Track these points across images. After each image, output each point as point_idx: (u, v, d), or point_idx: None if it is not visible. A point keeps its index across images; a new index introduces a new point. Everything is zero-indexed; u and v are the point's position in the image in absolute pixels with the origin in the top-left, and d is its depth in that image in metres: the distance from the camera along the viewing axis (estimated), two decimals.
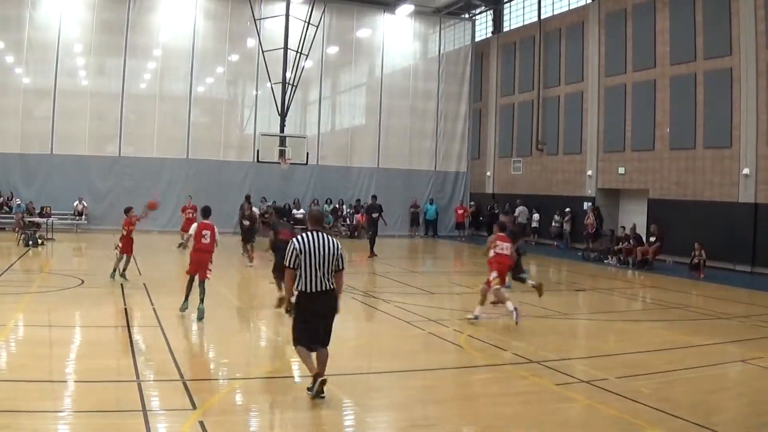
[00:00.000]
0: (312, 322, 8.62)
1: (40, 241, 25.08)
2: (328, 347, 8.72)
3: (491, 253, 14.57)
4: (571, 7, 34.58)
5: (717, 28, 25.94)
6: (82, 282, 17.21)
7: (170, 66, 33.79)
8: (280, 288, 14.22)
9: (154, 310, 14.16)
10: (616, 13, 30.94)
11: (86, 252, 26.04)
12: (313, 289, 8.53)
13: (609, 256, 27.33)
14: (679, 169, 27.43)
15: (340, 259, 8.77)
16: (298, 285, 8.58)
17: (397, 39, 37.85)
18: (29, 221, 27.82)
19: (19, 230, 26.54)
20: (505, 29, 39.88)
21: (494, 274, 14.27)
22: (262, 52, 30.60)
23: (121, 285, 16.79)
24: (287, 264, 8.59)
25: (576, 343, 13.66)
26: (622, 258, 26.54)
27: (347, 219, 35.68)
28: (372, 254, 25.94)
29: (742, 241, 24.74)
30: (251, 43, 33.70)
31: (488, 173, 40.21)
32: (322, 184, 35.97)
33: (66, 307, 14.22)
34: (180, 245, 24.21)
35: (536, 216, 34.78)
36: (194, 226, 14.16)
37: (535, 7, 36.83)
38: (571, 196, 32.93)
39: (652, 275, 24.06)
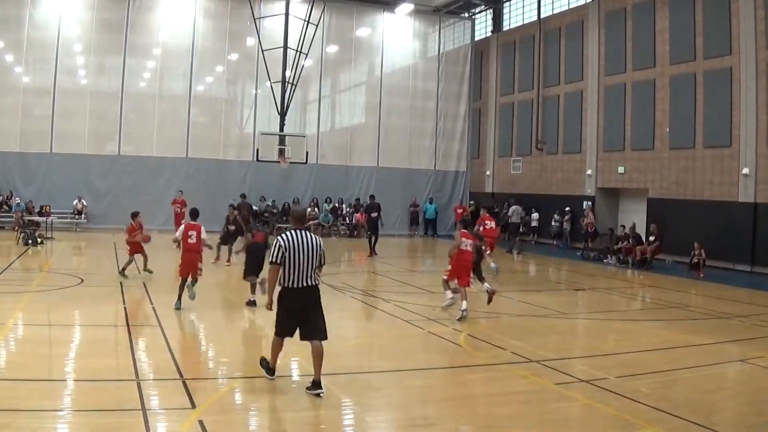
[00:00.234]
0: (297, 316, 8.94)
1: (39, 240, 25.09)
2: (322, 342, 8.97)
3: (455, 250, 14.95)
4: (571, 6, 34.58)
5: (717, 27, 25.94)
6: (82, 281, 17.21)
7: (170, 65, 33.78)
8: (253, 290, 14.82)
9: (153, 309, 14.17)
10: (615, 13, 30.94)
11: (86, 251, 26.04)
12: (298, 285, 8.82)
13: (608, 256, 27.34)
14: (679, 168, 27.44)
15: (322, 256, 9.08)
16: (282, 281, 8.83)
17: (397, 38, 37.84)
18: (29, 220, 27.83)
19: (19, 229, 26.54)
20: (505, 28, 39.89)
21: (449, 268, 15.05)
22: (262, 51, 30.59)
23: (120, 284, 16.78)
24: (272, 260, 8.84)
25: (575, 343, 13.66)
26: (621, 257, 26.55)
27: (347, 218, 35.67)
28: (372, 253, 25.97)
29: (741, 240, 24.74)
30: (251, 42, 33.69)
31: (488, 172, 40.22)
32: (321, 183, 35.97)
33: (65, 306, 14.23)
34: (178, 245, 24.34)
35: (536, 215, 34.79)
36: (181, 228, 14.83)
37: (535, 6, 36.83)
38: (571, 196, 32.92)
39: (651, 275, 24.06)
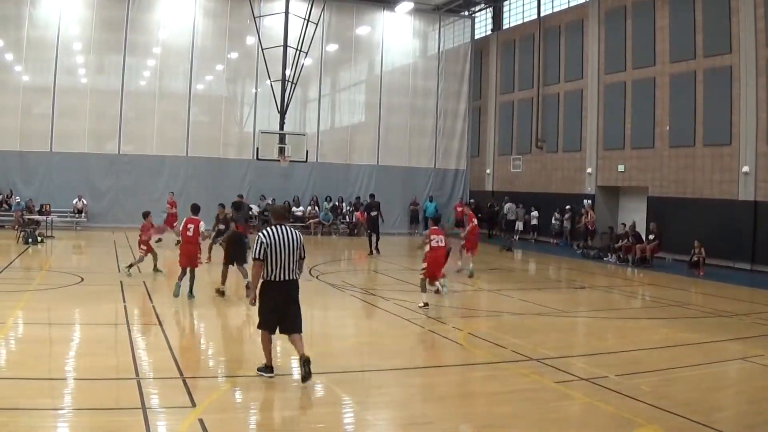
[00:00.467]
0: (279, 309, 9.22)
1: (39, 238, 25.10)
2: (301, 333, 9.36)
3: (427, 247, 15.63)
4: (571, 4, 34.55)
5: (717, 25, 25.92)
6: (82, 280, 17.21)
7: (170, 64, 33.78)
8: (225, 276, 15.80)
9: (153, 307, 14.17)
10: (615, 11, 30.92)
11: (86, 250, 26.04)
12: (280, 278, 9.12)
13: (608, 254, 27.34)
14: (679, 166, 27.42)
15: (302, 249, 9.37)
16: (265, 275, 9.12)
17: (397, 36, 37.83)
18: (29, 219, 27.85)
19: (19, 228, 26.55)
20: (505, 27, 39.87)
21: (424, 264, 15.59)
22: (262, 49, 30.57)
23: (121, 282, 16.78)
24: (255, 256, 9.10)
25: (575, 341, 13.65)
26: (621, 256, 26.55)
27: (347, 217, 35.66)
28: (371, 252, 25.98)
29: (741, 238, 24.73)
30: (251, 40, 33.69)
31: (488, 171, 40.21)
32: (321, 182, 35.98)
33: (65, 305, 14.24)
34: (178, 242, 24.45)
35: (536, 214, 34.80)
36: (182, 221, 15.88)
37: (535, 4, 36.83)
38: (571, 194, 32.91)
39: (651, 273, 24.06)
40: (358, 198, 35.95)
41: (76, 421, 7.61)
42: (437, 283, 15.84)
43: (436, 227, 16.20)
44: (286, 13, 30.50)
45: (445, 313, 15.22)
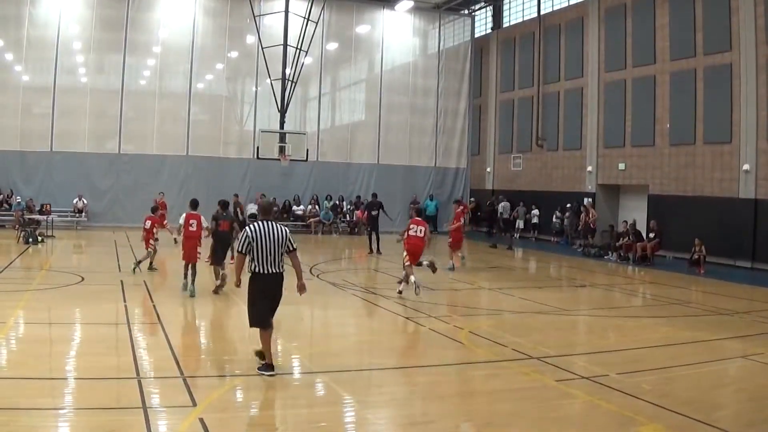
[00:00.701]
0: (266, 301, 9.61)
1: (40, 238, 25.09)
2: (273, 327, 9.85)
3: (405, 235, 16.81)
4: (571, 2, 34.52)
5: (717, 23, 25.91)
6: (82, 279, 17.21)
7: (170, 63, 33.78)
8: (217, 275, 16.11)
9: (153, 306, 14.17)
10: (615, 9, 30.91)
11: (86, 249, 26.04)
12: (265, 271, 9.48)
13: (609, 252, 27.34)
14: (679, 164, 27.42)
15: (289, 242, 9.67)
16: (252, 268, 9.54)
17: (397, 35, 37.83)
18: (29, 218, 27.83)
19: (19, 227, 26.54)
20: (505, 25, 39.85)
21: (405, 253, 16.64)
22: (262, 48, 30.57)
23: (121, 282, 16.78)
24: (239, 249, 9.66)
25: (576, 339, 13.65)
26: (622, 254, 26.54)
27: (347, 215, 35.66)
28: (371, 251, 25.99)
29: (742, 236, 24.73)
30: (250, 39, 33.69)
31: (488, 169, 40.21)
32: (322, 181, 35.98)
33: (66, 305, 14.24)
34: (175, 240, 24.74)
35: (536, 212, 34.80)
36: (183, 216, 16.23)
37: (535, 2, 36.82)
38: (572, 192, 32.91)
39: (651, 271, 24.05)
40: (358, 197, 35.97)
41: (76, 421, 7.60)
42: (412, 278, 16.27)
43: (417, 218, 17.26)
44: (286, 11, 30.49)
45: (445, 312, 15.23)
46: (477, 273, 22.54)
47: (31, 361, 9.73)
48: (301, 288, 9.90)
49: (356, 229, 34.37)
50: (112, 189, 32.55)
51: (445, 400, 8.98)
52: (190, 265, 15.69)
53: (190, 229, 15.86)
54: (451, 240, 22.47)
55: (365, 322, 14.71)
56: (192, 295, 15.32)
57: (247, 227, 9.69)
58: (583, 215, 30.52)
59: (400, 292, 16.46)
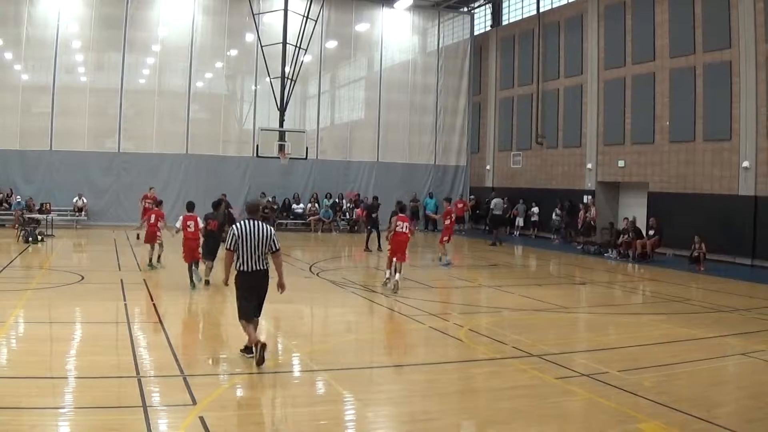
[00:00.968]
0: (250, 297, 9.99)
1: (39, 237, 25.09)
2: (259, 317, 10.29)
3: (392, 232, 17.50)
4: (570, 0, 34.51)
5: (716, 20, 25.89)
6: (82, 278, 17.22)
7: (169, 61, 33.79)
8: (208, 272, 16.72)
9: (154, 305, 14.18)
10: (615, 6, 30.88)
11: (86, 248, 26.02)
12: (249, 269, 9.92)
13: (609, 250, 27.34)
14: (679, 161, 27.41)
15: (273, 242, 10.10)
16: (236, 266, 9.96)
17: (396, 33, 37.86)
18: (29, 217, 27.86)
19: (19, 227, 26.56)
20: (504, 22, 39.80)
21: (389, 247, 17.58)
22: (261, 46, 30.56)
23: (121, 281, 16.78)
24: (227, 247, 10.03)
25: (576, 337, 13.65)
26: (622, 251, 26.54)
27: (347, 213, 35.67)
28: (368, 249, 25.98)
29: (742, 233, 24.72)
30: (250, 37, 33.71)
31: (488, 167, 40.18)
32: (321, 179, 36.00)
33: (66, 304, 14.24)
34: (139, 236, 25.25)
35: (536, 209, 34.79)
36: (180, 218, 16.89)
37: (534, 0, 36.77)
38: (571, 190, 32.91)
39: (651, 268, 24.04)
40: (357, 195, 36.00)
41: (77, 420, 7.61)
42: (396, 276, 16.90)
43: (402, 215, 17.94)
44: (285, 10, 30.47)
45: (445, 310, 15.24)
46: (477, 270, 22.56)
47: (31, 360, 9.73)
48: (281, 286, 10.22)
49: (356, 227, 34.37)
50: (112, 187, 32.58)
51: (445, 398, 8.98)
52: (192, 266, 16.37)
53: (189, 230, 16.50)
54: (446, 238, 22.91)
55: (365, 320, 14.70)
56: (193, 288, 16.09)
57: (233, 226, 10.18)
58: (581, 212, 30.54)
59: (391, 285, 17.01)
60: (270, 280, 10.16)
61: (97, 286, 16.38)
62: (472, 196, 39.03)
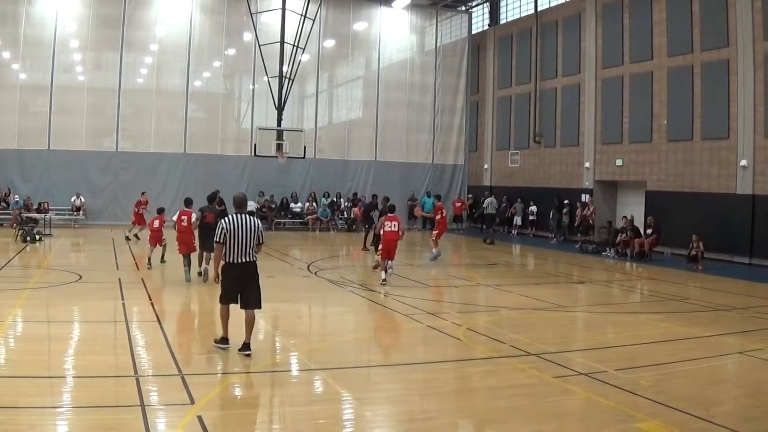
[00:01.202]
0: (236, 286, 10.27)
1: (37, 236, 25.07)
2: (255, 311, 10.39)
3: (381, 231, 18.18)
4: None
5: (714, 19, 25.90)
6: (80, 277, 17.21)
7: (167, 60, 33.77)
8: (200, 261, 17.31)
9: (152, 304, 14.17)
10: (612, 5, 30.88)
11: (84, 247, 26.02)
12: (237, 261, 10.20)
13: (607, 248, 27.35)
14: (677, 160, 27.42)
15: (260, 235, 10.45)
16: (225, 257, 10.23)
17: (394, 32, 37.86)
18: (27, 217, 27.79)
19: (17, 226, 26.52)
20: (502, 21, 39.80)
21: (380, 246, 18.33)
22: (259, 45, 30.54)
23: (119, 280, 16.77)
24: (216, 239, 10.27)
25: (574, 336, 13.66)
26: (619, 250, 26.55)
27: (344, 212, 35.67)
28: (365, 247, 25.99)
29: (739, 232, 24.74)
30: (248, 37, 33.69)
31: (486, 166, 40.19)
32: (319, 178, 36.00)
33: (64, 303, 14.22)
34: (128, 238, 25.81)
35: (534, 208, 34.79)
36: (177, 212, 17.83)
37: None
38: (569, 189, 32.92)
39: (649, 267, 24.05)
40: (355, 194, 36.03)
41: (75, 419, 7.60)
42: (383, 274, 17.72)
43: (391, 214, 18.44)
44: (283, 9, 30.45)
45: (443, 309, 15.24)
46: (475, 269, 22.56)
47: (30, 359, 9.72)
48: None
49: (354, 226, 34.37)
50: (110, 187, 32.58)
51: (443, 397, 8.98)
52: (184, 256, 17.16)
53: (183, 224, 17.31)
54: (436, 232, 23.45)
55: (363, 319, 14.70)
56: (188, 280, 16.77)
57: (222, 220, 10.45)
58: (579, 211, 30.57)
59: (384, 281, 17.57)
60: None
61: (95, 285, 16.37)
62: (470, 195, 39.03)
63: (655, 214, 26.61)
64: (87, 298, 14.63)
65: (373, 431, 8.00)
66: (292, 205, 34.98)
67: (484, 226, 32.92)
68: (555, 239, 32.63)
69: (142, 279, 17.26)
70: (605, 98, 31.35)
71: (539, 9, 35.95)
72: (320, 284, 18.02)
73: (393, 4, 36.72)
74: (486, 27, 40.91)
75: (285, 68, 30.59)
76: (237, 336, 10.36)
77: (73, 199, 31.36)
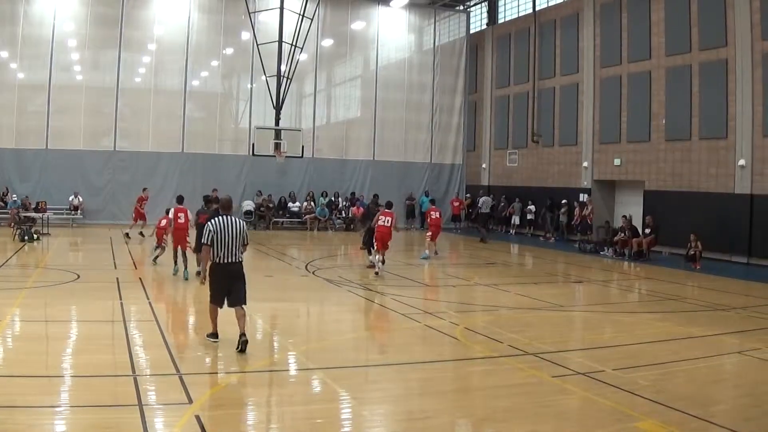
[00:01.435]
0: (224, 286, 10.60)
1: (35, 236, 25.03)
2: (244, 306, 10.64)
3: (376, 225, 19.23)
4: None
5: (712, 19, 25.91)
6: (78, 277, 17.19)
7: (165, 60, 33.72)
8: (199, 261, 17.00)
9: (149, 304, 14.16)
10: (610, 4, 30.89)
11: (82, 247, 26.00)
12: (224, 261, 10.52)
13: (605, 248, 27.36)
14: (675, 160, 27.44)
15: (245, 237, 10.78)
16: (212, 258, 10.55)
17: (392, 31, 37.85)
18: (25, 216, 27.78)
19: (15, 225, 26.50)
20: (500, 21, 39.82)
21: (374, 242, 19.39)
22: (257, 45, 30.53)
23: (117, 279, 16.76)
24: (203, 241, 10.65)
25: (572, 335, 13.66)
26: (617, 249, 26.56)
27: (343, 212, 35.67)
28: (364, 246, 26.00)
29: (738, 232, 24.74)
30: (246, 36, 33.67)
31: (484, 165, 40.19)
32: (317, 177, 35.99)
33: (62, 302, 14.20)
34: (127, 235, 26.19)
35: (532, 208, 34.77)
36: (171, 210, 18.39)
37: None
38: (567, 188, 32.93)
39: (647, 266, 24.06)
40: (353, 193, 36.04)
41: (73, 418, 7.59)
42: (378, 260, 19.13)
43: (387, 210, 19.62)
44: (281, 8, 30.45)
45: (441, 308, 15.24)
46: (473, 269, 22.57)
47: (27, 358, 9.71)
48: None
49: (352, 226, 34.36)
50: (108, 186, 32.55)
51: (441, 396, 8.98)
52: (180, 252, 17.61)
53: (179, 221, 17.78)
54: (429, 233, 24.35)
55: (361, 319, 14.71)
56: (185, 278, 17.15)
57: (209, 222, 10.80)
58: (577, 210, 30.59)
59: (376, 273, 18.96)
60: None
61: (93, 284, 16.36)
62: (467, 195, 39.01)
63: (653, 213, 26.62)
64: (85, 298, 14.62)
65: (371, 431, 7.99)
66: (290, 204, 34.96)
67: (480, 225, 33.01)
68: (546, 238, 32.72)
69: (140, 278, 17.28)
70: (603, 98, 31.36)
71: (537, 8, 35.93)
72: (318, 283, 18.01)
73: (391, 4, 36.72)
74: (484, 26, 40.93)
75: (283, 67, 30.59)
76: (234, 333, 10.38)
77: (71, 199, 31.32)
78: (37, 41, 31.35)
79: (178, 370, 9.39)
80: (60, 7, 31.54)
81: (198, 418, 7.53)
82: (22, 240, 24.37)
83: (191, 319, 13.88)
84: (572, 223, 31.23)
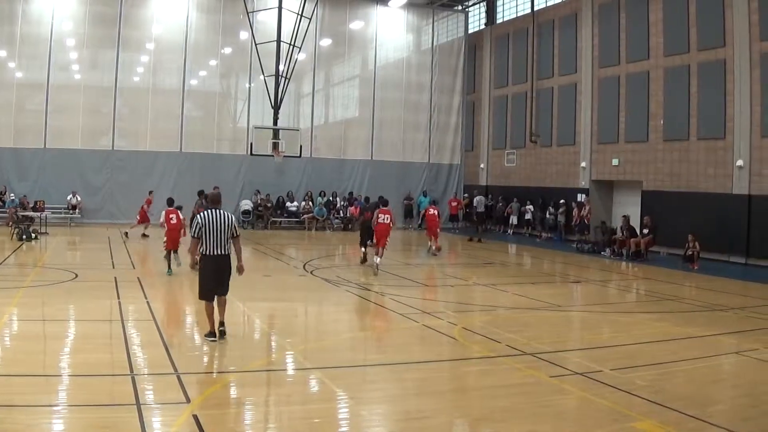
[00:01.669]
0: (212, 278, 10.95)
1: (33, 235, 25.01)
2: (226, 296, 11.21)
3: (375, 223, 19.81)
4: None
5: (710, 19, 25.92)
6: (76, 276, 17.18)
7: (163, 59, 33.72)
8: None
9: (147, 303, 14.14)
10: (609, 5, 30.89)
11: (80, 246, 25.99)
12: (212, 253, 10.89)
13: (603, 248, 27.36)
14: (673, 160, 27.45)
15: (233, 229, 11.09)
16: (202, 250, 10.94)
17: (391, 31, 37.85)
18: (23, 215, 27.75)
19: (13, 224, 26.48)
20: (499, 21, 39.82)
21: (372, 239, 20.13)
22: (255, 44, 30.56)
23: (115, 278, 16.75)
24: (192, 234, 11.19)
25: (570, 335, 13.66)
26: (615, 250, 26.57)
27: (341, 211, 35.67)
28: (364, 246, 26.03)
29: (736, 232, 24.74)
30: (244, 35, 33.68)
31: (482, 165, 40.18)
32: (315, 177, 35.98)
33: (60, 301, 14.19)
34: (126, 234, 26.35)
35: (530, 207, 34.76)
36: (163, 213, 19.04)
37: None
38: (566, 188, 32.94)
39: (645, 267, 24.07)
40: (351, 193, 36.03)
41: (71, 418, 7.58)
42: (377, 260, 19.34)
43: (384, 208, 20.16)
44: (280, 8, 30.48)
45: (439, 308, 15.24)
46: (471, 269, 22.57)
47: (25, 358, 9.70)
48: (240, 269, 11.30)
49: (349, 225, 34.36)
50: (106, 185, 32.54)
51: (439, 396, 8.98)
52: (172, 252, 18.18)
53: (171, 222, 18.44)
54: (426, 228, 25.62)
55: (359, 318, 14.72)
56: (178, 265, 18.27)
57: (198, 215, 11.32)
58: (575, 210, 30.61)
59: (375, 274, 19.03)
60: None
61: (90, 283, 16.34)
62: (465, 195, 38.99)
63: (651, 213, 26.63)
64: (83, 297, 14.61)
65: (369, 430, 7.98)
66: (288, 204, 34.95)
67: (475, 224, 33.11)
68: (540, 237, 32.79)
69: (138, 278, 17.25)
70: (602, 98, 31.37)
71: (536, 9, 35.92)
72: (316, 283, 18.01)
73: (389, 3, 36.72)
74: (482, 26, 40.91)
75: (281, 67, 30.62)
76: (232, 334, 10.37)
77: (69, 198, 31.30)
78: (35, 40, 31.33)
79: (175, 370, 9.38)
80: (58, 6, 31.52)
81: (196, 417, 7.53)
82: (20, 239, 24.35)
83: (189, 319, 13.87)
84: (571, 223, 31.22)
